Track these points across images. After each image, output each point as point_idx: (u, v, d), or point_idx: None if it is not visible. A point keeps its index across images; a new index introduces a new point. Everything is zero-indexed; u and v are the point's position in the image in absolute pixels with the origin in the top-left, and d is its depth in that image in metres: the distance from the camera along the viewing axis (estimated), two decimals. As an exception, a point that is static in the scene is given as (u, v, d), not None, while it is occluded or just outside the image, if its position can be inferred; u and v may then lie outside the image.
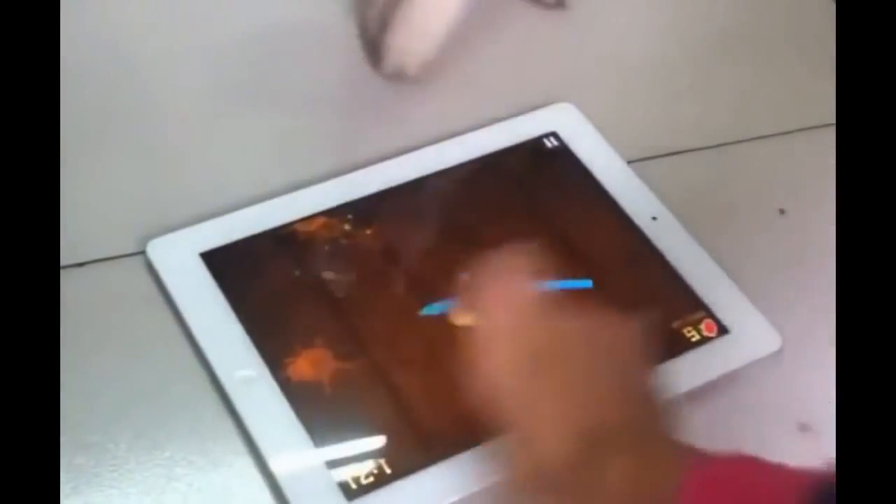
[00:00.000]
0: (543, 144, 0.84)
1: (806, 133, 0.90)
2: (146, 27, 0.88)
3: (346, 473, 0.68)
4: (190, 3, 0.90)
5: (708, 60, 0.94)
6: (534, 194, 0.82)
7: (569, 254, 0.79)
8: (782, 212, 0.85)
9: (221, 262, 0.75)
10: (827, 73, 0.92)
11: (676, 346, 0.75)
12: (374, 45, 0.85)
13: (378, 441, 0.70)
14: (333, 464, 0.68)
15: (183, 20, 0.89)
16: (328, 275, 0.76)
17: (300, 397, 0.70)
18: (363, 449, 0.69)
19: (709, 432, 0.73)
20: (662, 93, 0.91)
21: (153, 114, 0.84)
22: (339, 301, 0.75)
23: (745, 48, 0.95)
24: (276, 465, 0.68)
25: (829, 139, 0.88)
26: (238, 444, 0.69)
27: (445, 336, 0.72)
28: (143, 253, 0.76)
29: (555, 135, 0.85)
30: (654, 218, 0.81)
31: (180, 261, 0.75)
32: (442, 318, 0.73)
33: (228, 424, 0.70)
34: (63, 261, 0.74)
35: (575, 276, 0.77)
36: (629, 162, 0.85)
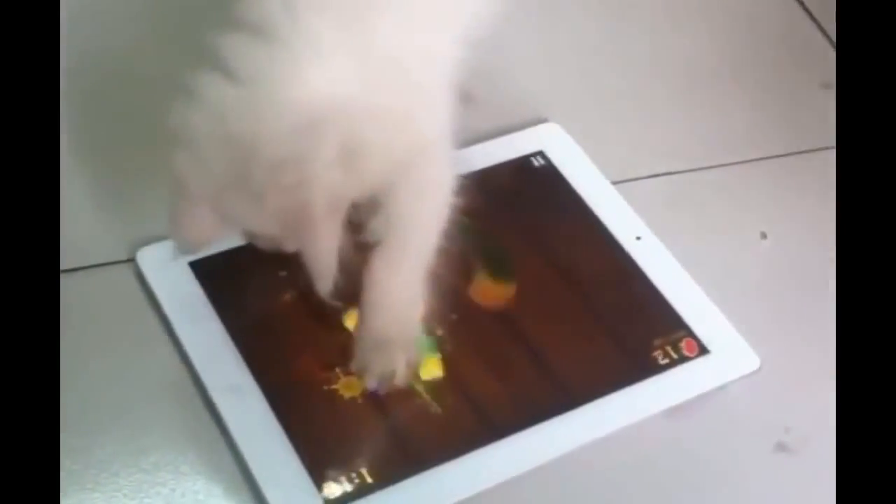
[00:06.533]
0: (531, 163, 0.85)
1: (790, 158, 0.91)
2: (144, 33, 0.89)
3: (329, 482, 0.69)
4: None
5: (694, 85, 0.95)
6: (520, 211, 0.83)
7: (553, 271, 0.80)
8: (764, 235, 0.86)
9: (210, 271, 0.76)
10: (811, 99, 0.95)
11: (656, 364, 0.76)
12: None
13: (361, 451, 0.71)
14: (316, 472, 0.69)
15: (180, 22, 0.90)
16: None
17: (285, 406, 0.71)
18: (346, 458, 0.70)
19: (686, 450, 0.75)
20: (648, 115, 0.92)
21: (147, 121, 0.85)
22: (326, 312, 0.76)
23: (730, 73, 0.96)
24: (258, 473, 0.69)
25: (811, 164, 0.90)
26: (222, 450, 0.70)
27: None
28: (132, 261, 0.77)
29: (542, 154, 0.86)
30: (637, 238, 0.82)
31: (170, 269, 0.76)
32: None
33: (213, 431, 0.71)
34: (53, 266, 0.76)
35: (560, 293, 0.79)
36: (614, 182, 0.86)
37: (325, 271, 0.70)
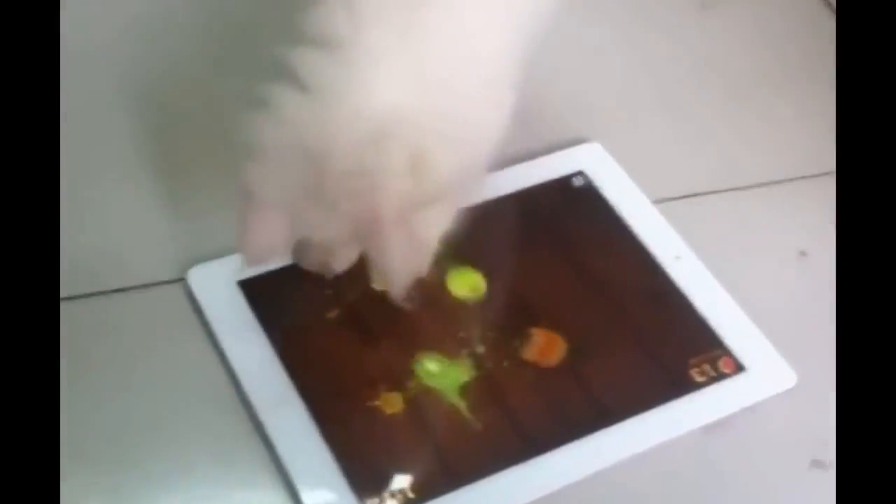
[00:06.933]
0: (571, 183, 0.87)
1: (829, 177, 0.92)
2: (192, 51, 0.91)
3: (372, 498, 0.71)
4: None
5: (734, 103, 0.96)
6: (560, 231, 0.85)
7: (593, 290, 0.81)
8: (803, 254, 0.87)
9: (258, 290, 0.78)
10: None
11: (693, 381, 0.77)
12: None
13: (403, 467, 0.72)
14: (360, 488, 0.71)
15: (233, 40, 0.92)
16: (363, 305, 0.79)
17: (329, 421, 0.73)
18: (388, 474, 0.72)
19: (723, 467, 0.76)
20: (688, 134, 0.93)
21: (196, 140, 0.87)
22: (373, 332, 0.78)
23: (772, 91, 0.97)
24: (304, 490, 0.71)
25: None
26: (269, 466, 0.72)
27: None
28: (183, 280, 0.79)
29: (582, 174, 0.87)
30: (677, 257, 0.84)
31: (219, 288, 0.78)
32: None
33: (260, 448, 0.73)
34: (106, 286, 0.78)
35: (598, 313, 0.80)
36: (654, 201, 0.87)
37: (398, 276, 0.72)
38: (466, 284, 0.80)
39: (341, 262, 0.75)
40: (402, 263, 0.72)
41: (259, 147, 0.70)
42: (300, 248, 0.75)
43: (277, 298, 0.78)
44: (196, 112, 0.88)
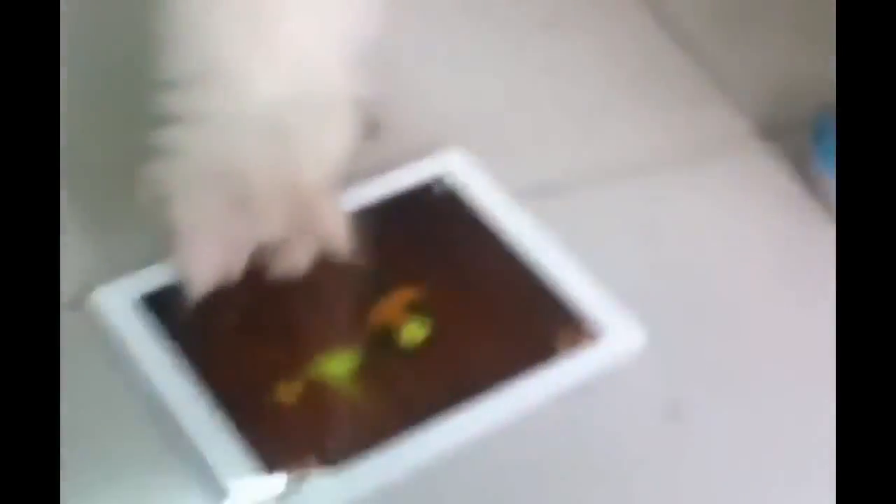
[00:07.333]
0: (431, 189, 0.93)
1: (682, 163, 1.00)
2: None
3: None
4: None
5: (585, 103, 1.03)
6: (424, 237, 0.91)
7: (460, 282, 0.89)
8: (653, 233, 0.94)
9: (162, 303, 0.84)
10: (698, 109, 1.04)
11: (554, 350, 0.85)
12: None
13: (308, 448, 0.80)
14: (274, 469, 0.78)
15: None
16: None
17: (240, 419, 0.80)
18: (294, 453, 0.79)
19: (584, 429, 0.83)
20: (543, 132, 1.00)
21: (100, 158, 0.91)
22: (268, 331, 0.85)
23: (619, 93, 1.04)
24: (228, 480, 0.78)
25: (702, 168, 1.00)
26: (190, 482, 0.78)
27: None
28: (87, 301, 0.83)
29: (442, 179, 0.94)
30: (536, 245, 0.91)
31: (122, 306, 0.84)
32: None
33: (177, 462, 0.78)
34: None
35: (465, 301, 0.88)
36: (515, 197, 0.93)
37: (341, 240, 0.81)
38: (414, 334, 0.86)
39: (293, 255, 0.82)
40: (342, 222, 0.81)
41: (170, 187, 0.77)
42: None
43: (179, 308, 0.84)
44: (91, 130, 0.92)
